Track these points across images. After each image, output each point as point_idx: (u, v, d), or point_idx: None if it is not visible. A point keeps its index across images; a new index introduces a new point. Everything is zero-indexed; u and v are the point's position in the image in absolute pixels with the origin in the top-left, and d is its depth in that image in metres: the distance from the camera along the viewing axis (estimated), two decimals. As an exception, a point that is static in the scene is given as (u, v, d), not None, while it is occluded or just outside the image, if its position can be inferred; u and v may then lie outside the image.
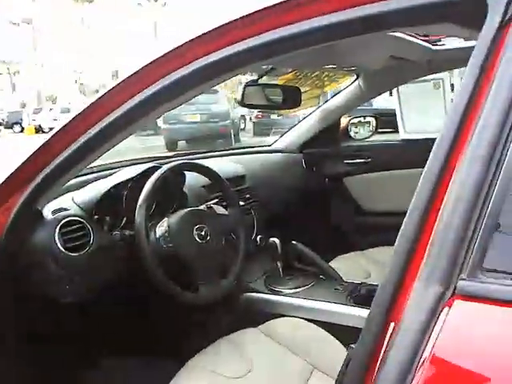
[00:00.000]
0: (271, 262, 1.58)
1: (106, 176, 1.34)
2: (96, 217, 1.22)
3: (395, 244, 0.55)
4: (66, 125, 1.02)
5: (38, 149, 1.05)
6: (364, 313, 1.34)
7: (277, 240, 1.56)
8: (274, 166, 1.99)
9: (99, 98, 0.97)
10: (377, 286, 1.37)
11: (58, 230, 1.10)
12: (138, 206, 1.12)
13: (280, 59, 0.80)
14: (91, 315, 1.28)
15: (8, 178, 1.09)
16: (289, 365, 1.23)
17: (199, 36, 0.83)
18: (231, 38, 0.79)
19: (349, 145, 2.20)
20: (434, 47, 1.45)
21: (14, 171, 1.09)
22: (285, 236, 1.62)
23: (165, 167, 1.21)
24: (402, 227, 0.54)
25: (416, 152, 1.99)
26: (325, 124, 2.08)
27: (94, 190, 1.26)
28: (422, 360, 0.47)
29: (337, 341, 1.29)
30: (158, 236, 1.14)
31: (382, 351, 0.52)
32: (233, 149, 2.50)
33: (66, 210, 1.17)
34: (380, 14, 0.63)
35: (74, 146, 0.99)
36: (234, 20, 0.79)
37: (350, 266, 1.76)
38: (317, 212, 2.13)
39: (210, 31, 0.82)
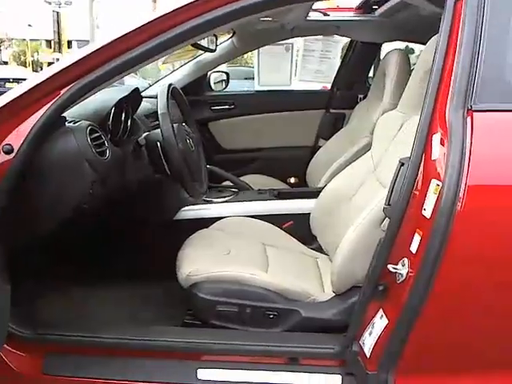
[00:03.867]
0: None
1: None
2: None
3: None
4: (105, 44, 1.15)
5: (75, 62, 1.14)
6: (286, 203, 1.86)
7: (202, 162, 1.89)
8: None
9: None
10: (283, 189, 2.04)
11: (89, 136, 1.19)
12: (160, 115, 1.30)
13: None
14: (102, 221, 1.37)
15: (35, 87, 1.12)
16: (250, 244, 1.64)
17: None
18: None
19: (214, 94, 2.61)
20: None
21: (44, 80, 1.13)
22: None
23: (167, 84, 1.41)
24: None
25: (267, 100, 2.60)
26: (197, 75, 2.43)
27: (90, 105, 1.34)
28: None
29: (273, 225, 1.76)
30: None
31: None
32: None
33: (79, 121, 1.24)
34: None
35: (109, 66, 1.14)
36: None
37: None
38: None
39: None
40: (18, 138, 1.12)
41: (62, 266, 1.44)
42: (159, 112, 1.32)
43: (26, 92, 1.12)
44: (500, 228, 0.97)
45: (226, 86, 2.69)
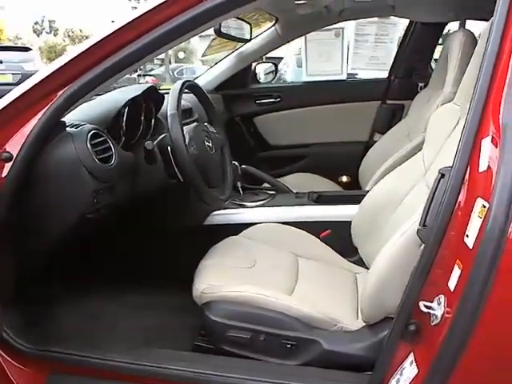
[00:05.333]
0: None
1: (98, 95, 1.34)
2: (105, 131, 1.23)
3: None
4: (101, 40, 1.04)
5: (67, 62, 1.04)
6: (325, 209, 1.67)
7: (236, 162, 1.75)
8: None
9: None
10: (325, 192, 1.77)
11: (89, 141, 1.10)
12: (169, 117, 1.19)
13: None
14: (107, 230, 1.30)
15: (31, 88, 1.05)
16: (280, 256, 1.48)
17: None
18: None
19: (259, 87, 2.46)
20: (353, -3, 1.79)
21: (40, 81, 1.05)
22: None
23: (180, 81, 1.28)
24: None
25: (317, 92, 2.40)
26: (239, 67, 2.29)
27: (96, 107, 1.25)
28: None
29: (308, 233, 1.58)
30: (186, 144, 1.23)
31: None
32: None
33: (81, 125, 1.16)
34: None
35: (107, 63, 1.03)
36: None
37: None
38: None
39: None
40: (16, 144, 1.06)
41: (74, 279, 1.38)
42: (168, 113, 1.20)
43: (21, 96, 1.05)
44: None
45: (275, 77, 2.52)
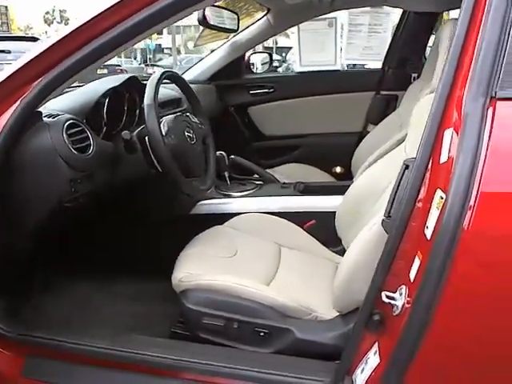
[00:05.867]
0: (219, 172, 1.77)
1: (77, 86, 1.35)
2: (85, 121, 1.24)
3: None
4: (76, 28, 1.04)
5: (43, 51, 1.05)
6: (310, 200, 1.67)
7: (223, 153, 1.76)
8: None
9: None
10: (312, 182, 1.75)
11: (65, 131, 1.12)
12: (145, 107, 1.20)
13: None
14: (87, 218, 1.31)
15: (6, 78, 1.06)
16: (262, 246, 1.49)
17: None
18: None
19: (253, 77, 2.45)
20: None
21: (15, 72, 1.06)
22: None
23: (159, 72, 1.29)
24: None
25: (310, 83, 2.38)
26: (233, 56, 2.28)
27: (76, 97, 1.26)
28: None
29: (293, 224, 1.59)
30: (163, 134, 1.24)
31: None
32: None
33: (58, 115, 1.17)
34: None
35: (83, 51, 1.03)
36: None
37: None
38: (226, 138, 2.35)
39: None
40: (-7, 133, 1.08)
41: (56, 269, 1.40)
42: (145, 103, 1.20)
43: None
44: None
45: (270, 67, 2.52)
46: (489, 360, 0.80)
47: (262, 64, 2.57)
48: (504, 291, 0.75)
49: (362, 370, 0.93)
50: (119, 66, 14.76)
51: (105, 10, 1.02)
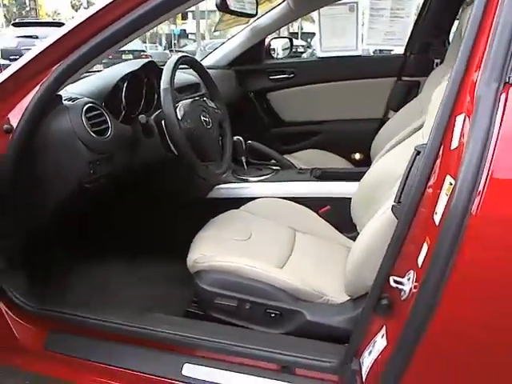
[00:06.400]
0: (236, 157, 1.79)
1: (98, 71, 1.38)
2: (103, 105, 1.27)
3: None
4: (93, 14, 1.07)
5: (62, 36, 1.08)
6: (326, 185, 1.68)
7: (241, 138, 1.77)
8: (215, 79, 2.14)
9: None
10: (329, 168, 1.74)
11: (84, 114, 1.15)
12: (162, 91, 1.22)
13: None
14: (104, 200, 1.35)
15: (28, 62, 1.09)
16: (277, 230, 1.50)
17: None
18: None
19: (273, 62, 2.44)
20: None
21: (35, 56, 1.09)
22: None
23: (176, 57, 1.31)
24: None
25: (331, 68, 2.36)
26: (253, 42, 2.27)
27: (95, 82, 1.30)
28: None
29: (308, 209, 1.60)
30: (179, 118, 1.26)
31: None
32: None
33: (77, 98, 1.21)
34: None
35: (101, 36, 1.06)
36: None
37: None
38: (245, 123, 2.37)
39: None
40: (15, 117, 1.12)
41: (76, 250, 1.45)
42: (161, 87, 1.22)
43: (20, 69, 1.10)
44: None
45: (290, 53, 2.50)
46: (495, 346, 0.80)
47: (283, 49, 2.56)
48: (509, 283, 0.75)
49: (370, 352, 0.94)
50: (144, 51, 14.93)
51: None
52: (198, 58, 1.90)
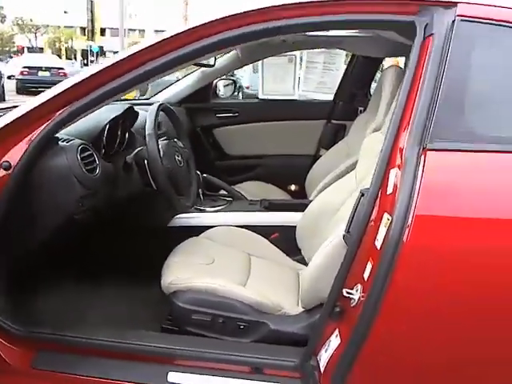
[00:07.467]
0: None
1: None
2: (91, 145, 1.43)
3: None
4: (98, 71, 1.25)
5: (68, 88, 1.24)
6: (274, 215, 1.94)
7: (199, 172, 1.99)
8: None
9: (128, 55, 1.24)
10: (275, 200, 2.08)
11: (79, 154, 1.30)
12: (147, 136, 1.41)
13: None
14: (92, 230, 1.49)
15: (32, 109, 1.24)
16: (235, 255, 1.73)
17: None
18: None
19: (220, 102, 2.70)
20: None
21: (40, 104, 1.24)
22: None
23: (156, 105, 1.50)
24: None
25: (270, 109, 2.68)
26: (203, 83, 2.53)
27: (84, 124, 1.45)
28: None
29: (260, 236, 1.85)
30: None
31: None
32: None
33: (70, 140, 1.36)
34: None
35: (101, 90, 1.24)
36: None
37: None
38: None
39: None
40: (15, 155, 1.24)
41: (58, 271, 1.56)
42: (146, 132, 1.42)
43: (23, 114, 1.24)
44: (444, 263, 1.03)
45: (233, 93, 2.78)
46: (425, 344, 1.08)
47: (225, 86, 2.82)
48: (432, 294, 1.03)
49: (326, 350, 1.20)
50: (62, 68, 14.53)
51: (127, 56, 1.23)
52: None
